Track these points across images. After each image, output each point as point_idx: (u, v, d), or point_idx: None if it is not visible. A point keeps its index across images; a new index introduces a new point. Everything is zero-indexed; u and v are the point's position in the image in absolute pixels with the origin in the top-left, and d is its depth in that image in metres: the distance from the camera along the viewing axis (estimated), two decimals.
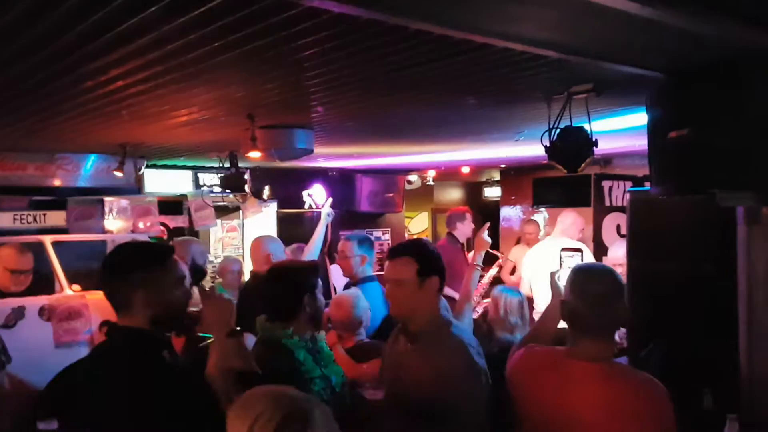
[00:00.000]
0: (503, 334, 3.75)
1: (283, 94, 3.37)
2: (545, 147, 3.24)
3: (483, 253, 3.20)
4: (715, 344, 2.89)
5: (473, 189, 11.25)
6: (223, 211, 7.52)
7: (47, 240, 5.21)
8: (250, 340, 2.43)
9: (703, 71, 2.68)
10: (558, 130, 3.20)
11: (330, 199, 5.12)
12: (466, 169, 8.71)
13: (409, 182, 9.20)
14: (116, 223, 6.32)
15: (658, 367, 2.82)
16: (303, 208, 7.94)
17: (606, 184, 7.41)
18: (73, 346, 4.74)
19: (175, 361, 1.97)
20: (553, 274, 2.51)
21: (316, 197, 7.68)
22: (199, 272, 5.38)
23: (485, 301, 5.15)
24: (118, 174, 5.41)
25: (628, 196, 3.48)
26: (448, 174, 9.42)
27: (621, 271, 4.57)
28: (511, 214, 8.52)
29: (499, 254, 6.14)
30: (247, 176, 5.96)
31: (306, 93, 3.35)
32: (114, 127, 4.27)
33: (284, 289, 2.55)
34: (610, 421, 1.91)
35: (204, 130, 4.48)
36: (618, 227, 7.16)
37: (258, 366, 2.04)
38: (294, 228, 7.44)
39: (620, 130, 4.70)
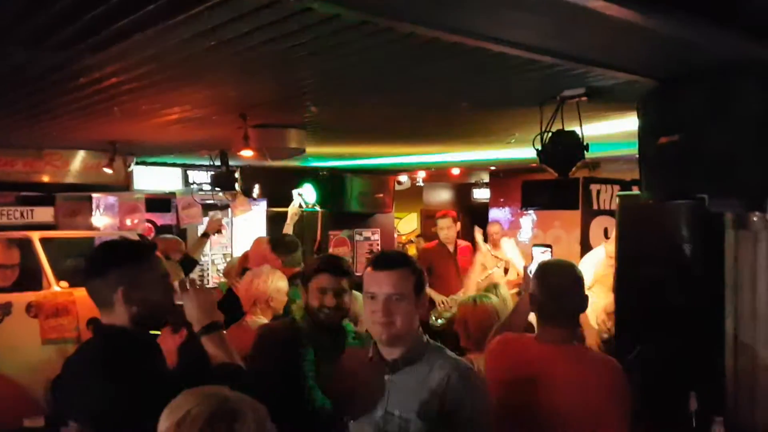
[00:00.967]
0: None
1: (276, 93, 3.37)
2: (537, 150, 3.27)
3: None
4: (701, 347, 2.93)
5: (462, 190, 11.28)
6: (211, 210, 7.50)
7: (35, 236, 5.17)
8: None
9: (694, 78, 2.72)
10: (550, 134, 3.23)
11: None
12: (456, 171, 8.74)
13: (399, 183, 9.22)
14: (103, 220, 6.28)
15: (644, 370, 2.86)
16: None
17: (594, 187, 7.48)
18: (60, 343, 4.69)
19: (154, 359, 1.94)
20: (525, 268, 2.82)
21: (306, 197, 7.68)
22: (191, 263, 5.40)
23: None
24: (108, 171, 5.38)
25: (617, 199, 3.52)
26: (437, 175, 9.45)
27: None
28: (499, 216, 8.56)
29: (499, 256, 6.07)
30: (237, 175, 5.96)
31: (299, 93, 3.36)
32: (105, 124, 4.25)
33: None
34: (576, 394, 2.13)
35: (196, 128, 4.47)
36: (605, 230, 7.22)
37: None
38: (283, 227, 7.42)
39: (608, 144, 4.73)
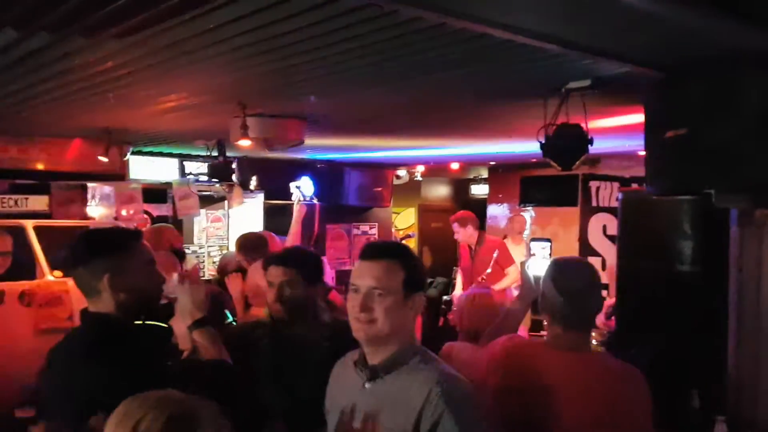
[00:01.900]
0: None
1: (274, 81, 3.31)
2: (540, 143, 3.22)
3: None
4: (703, 345, 2.90)
5: (460, 186, 11.22)
6: (207, 201, 7.45)
7: (29, 224, 5.12)
8: None
9: (701, 70, 2.67)
10: (554, 127, 3.18)
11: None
12: (455, 165, 8.69)
13: (398, 177, 9.17)
14: (99, 210, 6.22)
15: (646, 368, 2.82)
16: (290, 199, 7.87)
17: (593, 184, 7.43)
18: (53, 332, 4.62)
19: (141, 346, 1.90)
20: (523, 264, 2.63)
21: (304, 189, 7.62)
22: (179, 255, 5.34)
23: None
24: (104, 159, 5.32)
25: (620, 195, 3.47)
26: (436, 170, 9.39)
27: None
28: (497, 212, 8.52)
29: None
30: (234, 166, 5.90)
31: (297, 81, 3.30)
32: (99, 110, 4.18)
33: None
34: (602, 406, 1.96)
35: (192, 117, 4.41)
36: (604, 227, 7.18)
37: None
38: (281, 220, 7.37)
39: (611, 142, 4.69)
